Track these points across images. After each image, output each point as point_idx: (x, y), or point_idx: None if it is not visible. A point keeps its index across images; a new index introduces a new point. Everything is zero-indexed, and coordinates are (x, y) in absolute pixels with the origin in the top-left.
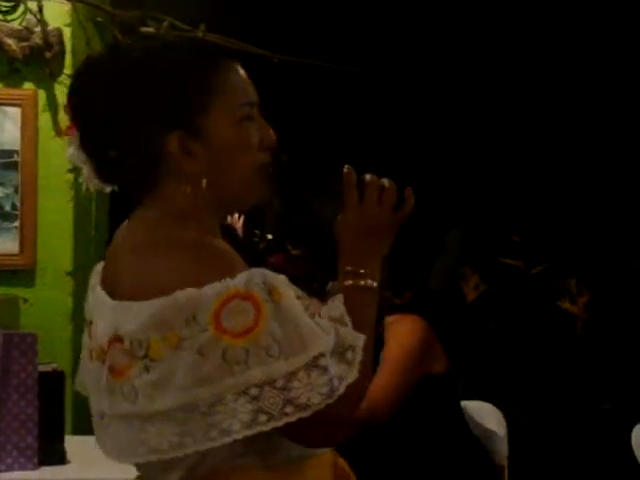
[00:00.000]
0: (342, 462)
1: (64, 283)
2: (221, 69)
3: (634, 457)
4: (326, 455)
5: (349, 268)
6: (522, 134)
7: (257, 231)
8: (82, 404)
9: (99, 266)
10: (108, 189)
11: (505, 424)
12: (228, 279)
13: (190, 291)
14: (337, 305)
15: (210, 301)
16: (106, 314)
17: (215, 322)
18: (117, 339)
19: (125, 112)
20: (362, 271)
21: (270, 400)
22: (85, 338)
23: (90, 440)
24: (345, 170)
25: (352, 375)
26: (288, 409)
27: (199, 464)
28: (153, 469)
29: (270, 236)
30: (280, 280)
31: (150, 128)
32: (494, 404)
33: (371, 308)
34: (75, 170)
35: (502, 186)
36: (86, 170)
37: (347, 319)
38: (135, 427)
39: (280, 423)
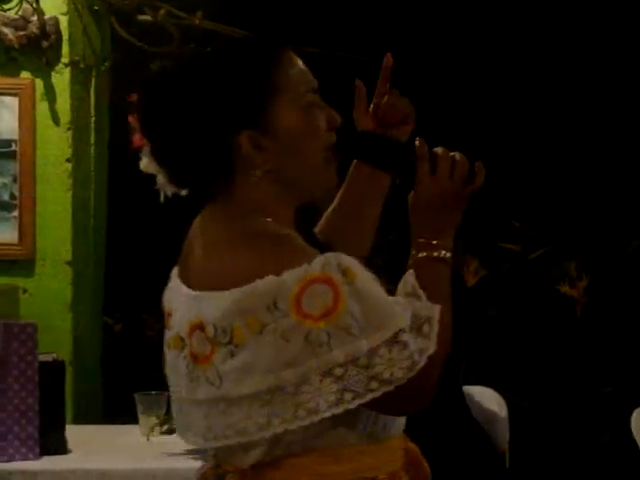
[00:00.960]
0: (413, 446)
1: (63, 273)
2: (279, 62)
3: (634, 440)
4: (397, 439)
5: (422, 240)
6: (521, 119)
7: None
8: (82, 394)
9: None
10: (184, 192)
11: (506, 408)
12: (305, 265)
13: (270, 279)
14: (409, 280)
15: (290, 287)
16: (186, 304)
17: (296, 307)
18: (199, 327)
19: (193, 118)
20: (435, 242)
21: (354, 378)
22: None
23: (91, 429)
24: (417, 143)
25: (431, 347)
26: (373, 385)
27: (274, 446)
28: (230, 452)
29: None
30: (353, 262)
31: (220, 131)
32: (495, 389)
33: (446, 279)
34: (73, 159)
35: (501, 171)
36: (160, 178)
37: (420, 292)
38: (221, 411)
39: (366, 400)
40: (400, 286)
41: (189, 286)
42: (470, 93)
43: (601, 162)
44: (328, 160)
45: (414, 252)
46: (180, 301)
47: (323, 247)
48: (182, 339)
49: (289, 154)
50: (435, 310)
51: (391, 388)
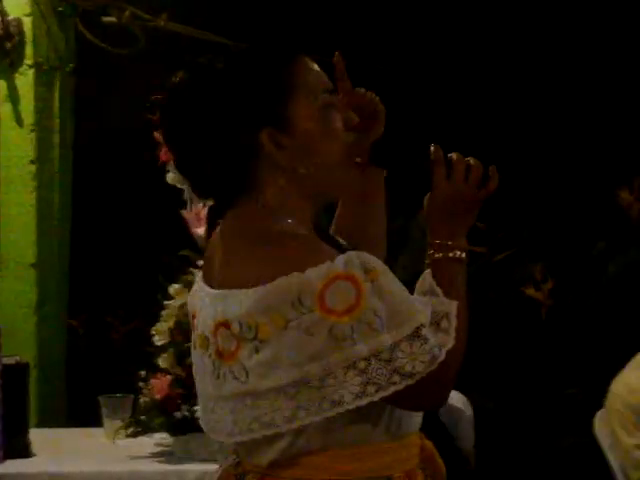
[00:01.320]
0: (428, 444)
1: (28, 275)
2: (296, 63)
3: (597, 443)
4: (413, 436)
5: (438, 241)
6: (486, 121)
7: None
8: (47, 396)
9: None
10: (210, 203)
11: (471, 409)
12: (328, 262)
13: (294, 275)
14: (427, 279)
15: (314, 284)
16: (210, 303)
17: (320, 303)
18: (224, 324)
19: (214, 123)
20: (451, 243)
21: (377, 372)
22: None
23: (55, 432)
24: (433, 148)
25: (450, 342)
26: (395, 378)
27: (293, 444)
28: (250, 450)
29: None
30: (375, 260)
31: (241, 130)
32: (460, 390)
33: (462, 277)
34: (37, 161)
35: None
36: (187, 190)
37: (438, 290)
38: (247, 405)
39: (388, 392)
40: (418, 285)
41: (212, 286)
42: (434, 96)
43: (566, 164)
44: (346, 160)
45: (431, 252)
46: (204, 302)
47: (341, 248)
48: (207, 338)
49: (307, 153)
50: (453, 306)
51: (413, 381)
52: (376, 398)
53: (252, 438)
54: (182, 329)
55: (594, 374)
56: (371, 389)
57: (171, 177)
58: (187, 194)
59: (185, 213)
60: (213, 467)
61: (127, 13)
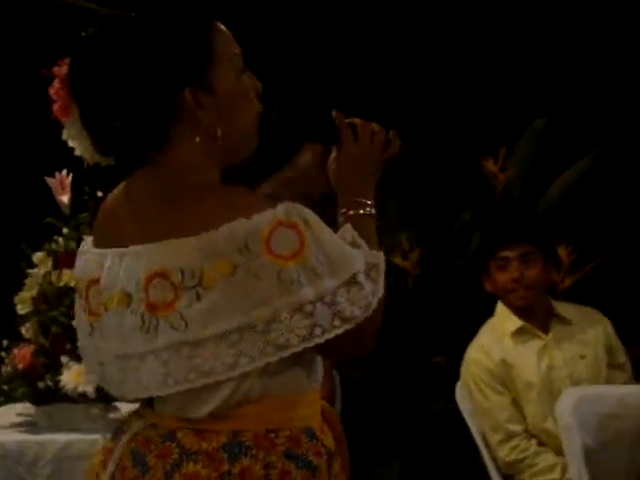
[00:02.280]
0: (324, 403)
1: None
2: (215, 26)
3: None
4: (315, 394)
5: (351, 198)
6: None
7: None
8: None
9: (88, 239)
10: (105, 162)
11: (339, 379)
12: (271, 209)
13: (240, 221)
14: (348, 231)
15: (260, 229)
16: (137, 258)
17: (267, 248)
18: (161, 274)
19: (135, 78)
20: (362, 200)
21: (322, 315)
22: (79, 303)
23: None
24: (334, 113)
25: (380, 290)
26: (336, 322)
27: (236, 390)
28: (185, 401)
29: None
30: (309, 211)
31: (164, 88)
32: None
33: (374, 231)
34: None
35: None
36: (81, 147)
37: (361, 242)
38: (185, 355)
39: (331, 335)
40: (338, 237)
41: (131, 244)
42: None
43: (433, 134)
44: (256, 126)
45: (344, 210)
46: (113, 263)
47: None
48: (129, 294)
49: (226, 115)
50: (380, 257)
51: (351, 326)
52: (322, 340)
53: (189, 388)
54: (46, 298)
55: (459, 343)
56: (318, 331)
57: (67, 133)
58: (81, 152)
59: (49, 180)
60: (77, 437)
61: None
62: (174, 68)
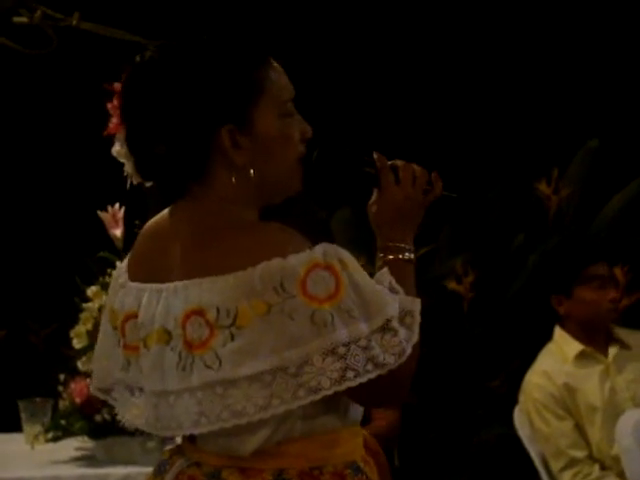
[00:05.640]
0: (366, 433)
1: None
2: (266, 65)
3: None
4: (356, 425)
5: (391, 243)
6: (407, 118)
7: None
8: None
9: (122, 268)
10: (148, 184)
11: None
12: (308, 250)
13: (277, 261)
14: (385, 277)
15: (296, 270)
16: (175, 295)
17: (302, 289)
18: (197, 313)
19: (178, 109)
20: (402, 245)
21: (356, 358)
22: (111, 336)
23: None
24: (375, 155)
25: (414, 337)
26: (369, 367)
27: (277, 430)
28: (228, 439)
29: None
30: (347, 253)
31: (202, 123)
32: None
33: (413, 278)
34: None
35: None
36: (128, 166)
37: (398, 287)
38: (218, 394)
39: (364, 379)
40: (375, 282)
41: (169, 280)
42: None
43: (484, 158)
44: (297, 169)
45: (382, 255)
46: (151, 299)
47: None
48: (168, 332)
49: (264, 156)
50: (416, 304)
51: (384, 372)
52: (354, 384)
53: (221, 427)
54: None
55: (516, 366)
56: (350, 374)
57: (117, 150)
58: (128, 170)
59: (102, 214)
60: (135, 470)
61: (38, 13)
62: (214, 106)
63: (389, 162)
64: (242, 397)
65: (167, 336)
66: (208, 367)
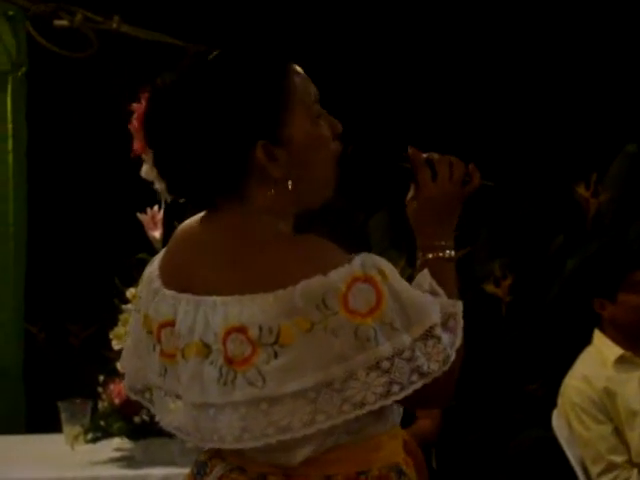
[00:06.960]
0: (405, 434)
1: None
2: (290, 73)
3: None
4: (396, 428)
5: (430, 242)
6: (443, 119)
7: None
8: (5, 403)
9: (154, 273)
10: (182, 200)
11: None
12: (347, 264)
13: (318, 278)
14: (426, 279)
15: (337, 286)
16: (209, 312)
17: (344, 305)
18: (238, 330)
19: (210, 131)
20: (443, 243)
21: (400, 371)
22: (146, 339)
23: (13, 439)
24: (410, 150)
25: (458, 341)
26: (414, 377)
27: (323, 442)
28: (276, 452)
29: None
30: (385, 261)
31: (237, 141)
32: None
33: (455, 277)
34: None
35: None
36: (160, 186)
37: (439, 290)
38: (262, 410)
39: (409, 391)
40: (415, 285)
41: (206, 292)
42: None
43: (522, 160)
44: (334, 171)
45: (422, 254)
46: (188, 309)
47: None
48: (208, 346)
49: (302, 165)
50: (458, 306)
51: (429, 380)
52: (400, 397)
53: (266, 443)
54: None
55: (554, 370)
56: (395, 388)
57: (146, 170)
58: (160, 189)
59: (141, 216)
60: (174, 471)
61: (79, 16)
62: (247, 123)
63: (425, 155)
64: (287, 413)
65: (206, 350)
66: (251, 384)
